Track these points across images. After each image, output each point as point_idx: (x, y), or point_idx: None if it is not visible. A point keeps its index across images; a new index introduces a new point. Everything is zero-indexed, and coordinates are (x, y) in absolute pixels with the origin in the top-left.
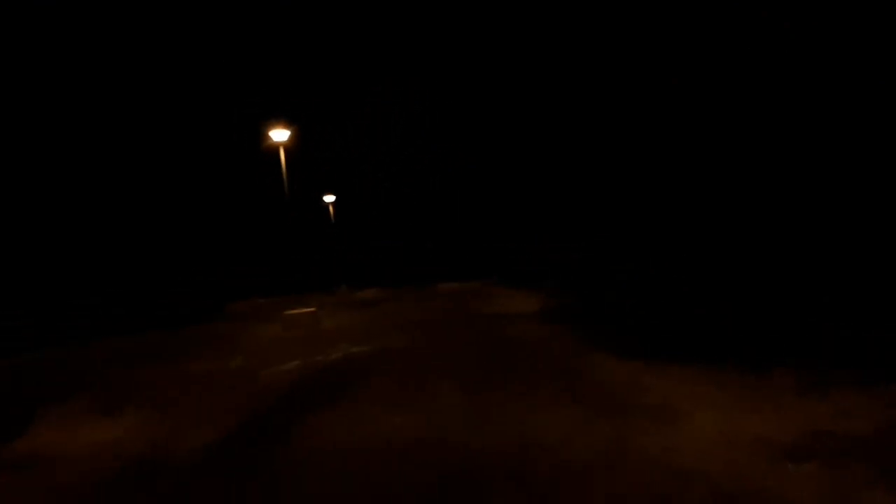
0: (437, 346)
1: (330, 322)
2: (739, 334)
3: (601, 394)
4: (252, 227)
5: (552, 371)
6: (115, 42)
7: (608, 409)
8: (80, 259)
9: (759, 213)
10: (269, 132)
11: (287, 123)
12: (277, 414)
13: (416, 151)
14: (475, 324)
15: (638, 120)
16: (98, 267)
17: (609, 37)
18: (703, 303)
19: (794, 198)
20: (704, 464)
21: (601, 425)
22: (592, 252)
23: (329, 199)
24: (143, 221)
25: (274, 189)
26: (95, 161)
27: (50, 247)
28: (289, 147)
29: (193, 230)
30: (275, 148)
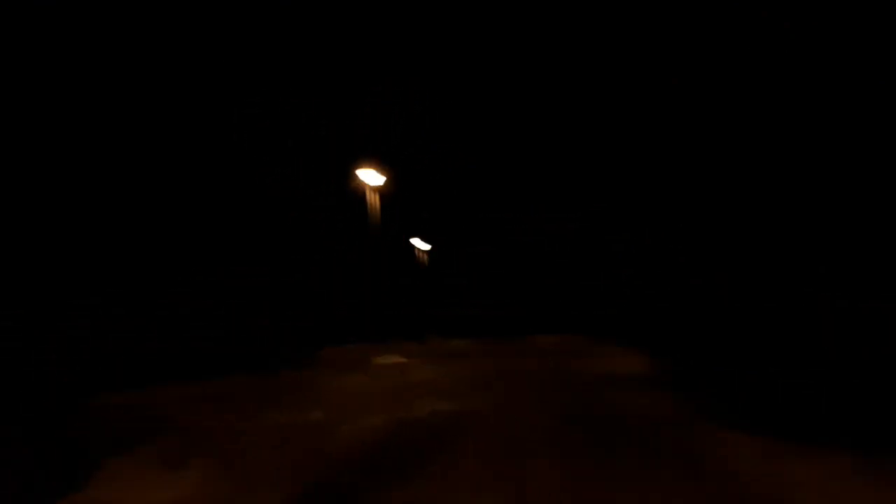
0: (533, 411)
1: (417, 375)
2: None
3: (736, 488)
4: (348, 270)
5: (670, 451)
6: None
7: None
8: (184, 295)
9: None
10: (360, 173)
11: (382, 167)
12: (349, 482)
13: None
14: (575, 387)
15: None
16: (203, 304)
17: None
18: (835, 365)
19: None
20: None
21: None
22: (704, 306)
23: (424, 246)
24: (251, 258)
25: (365, 230)
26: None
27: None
28: (383, 191)
29: (296, 273)
30: (370, 189)
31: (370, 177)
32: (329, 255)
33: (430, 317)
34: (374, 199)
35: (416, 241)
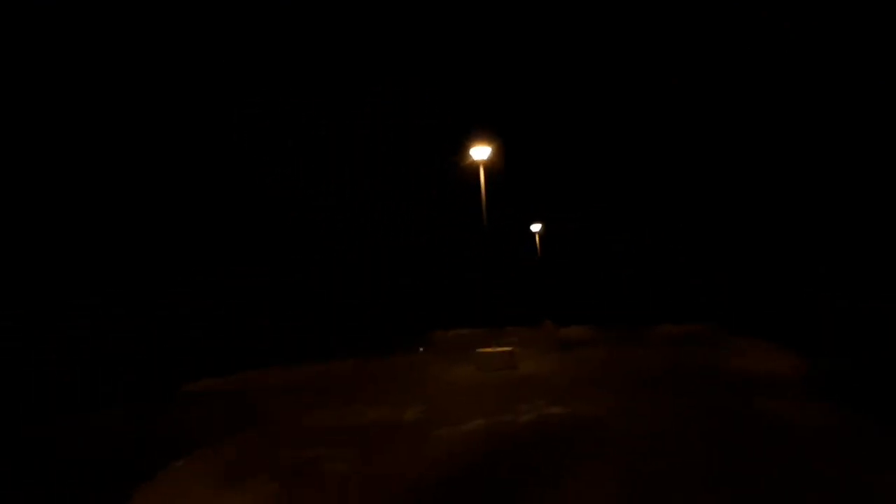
0: (658, 420)
1: (527, 366)
2: None
3: None
4: (462, 252)
5: (841, 491)
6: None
7: None
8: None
9: None
10: (468, 149)
11: (489, 139)
12: None
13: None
14: (707, 389)
15: None
16: (315, 284)
17: None
18: None
19: None
20: None
21: None
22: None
23: (535, 227)
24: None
25: (481, 213)
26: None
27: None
28: (489, 166)
29: (408, 254)
30: (477, 167)
31: (478, 152)
32: (440, 236)
33: (541, 303)
34: (482, 177)
35: (534, 227)
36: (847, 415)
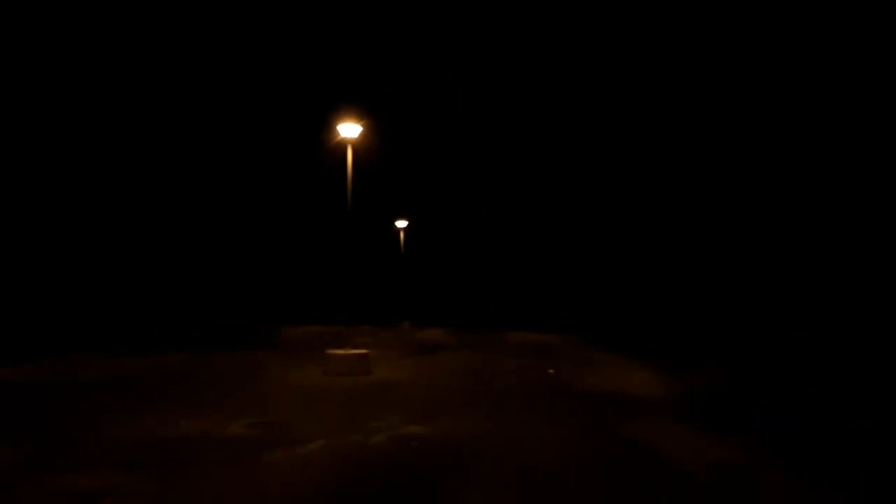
0: (528, 449)
1: (381, 371)
2: None
3: None
4: (319, 245)
5: None
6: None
7: None
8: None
9: None
10: (337, 126)
11: (360, 117)
12: None
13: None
14: (577, 410)
15: None
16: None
17: None
18: None
19: None
20: None
21: None
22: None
23: (401, 224)
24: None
25: (340, 203)
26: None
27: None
28: (358, 147)
29: (256, 240)
30: (342, 148)
31: (348, 129)
32: (293, 226)
33: (401, 303)
34: (349, 157)
35: (399, 223)
36: (746, 454)
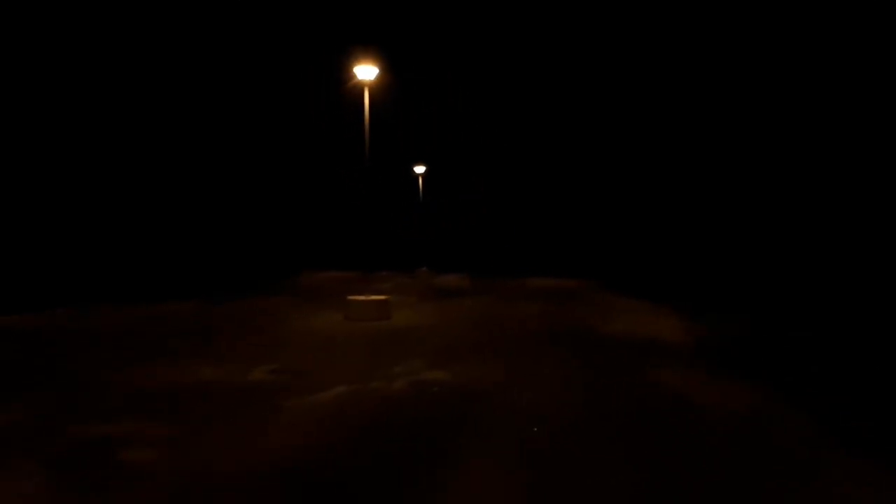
0: (551, 395)
1: (402, 317)
2: None
3: None
4: (338, 192)
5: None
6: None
7: None
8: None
9: None
10: (353, 69)
11: (375, 59)
12: None
13: (516, 124)
14: (598, 354)
15: None
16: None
17: None
18: None
19: None
20: None
21: None
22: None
23: (419, 170)
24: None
25: (359, 149)
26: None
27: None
28: (375, 91)
29: (278, 189)
30: (359, 94)
31: (363, 72)
32: (317, 169)
33: (419, 249)
34: (366, 100)
35: (418, 169)
36: (770, 397)
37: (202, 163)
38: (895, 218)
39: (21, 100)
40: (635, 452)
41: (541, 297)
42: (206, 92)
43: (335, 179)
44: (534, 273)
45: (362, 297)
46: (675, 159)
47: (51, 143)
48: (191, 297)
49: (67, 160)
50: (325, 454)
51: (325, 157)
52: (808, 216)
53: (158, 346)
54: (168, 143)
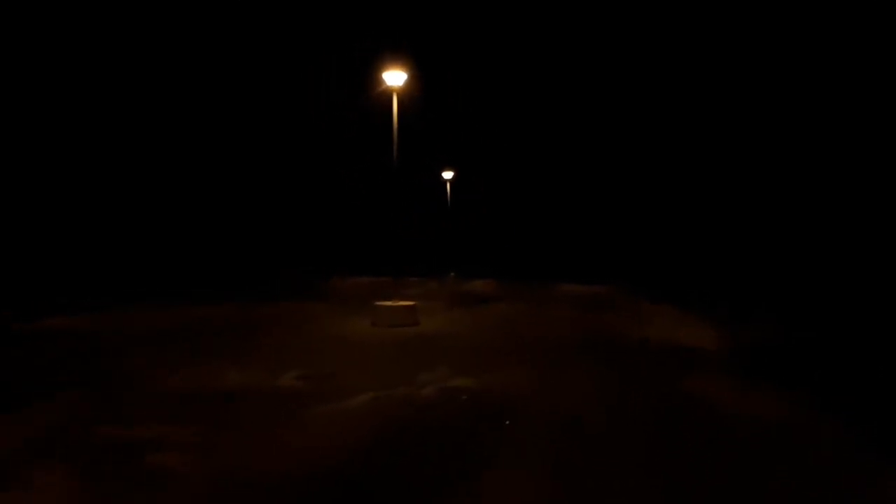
0: (583, 404)
1: (429, 323)
2: None
3: None
4: (366, 199)
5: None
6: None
7: None
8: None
9: None
10: (382, 75)
11: (404, 64)
12: None
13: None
14: (630, 361)
15: None
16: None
17: None
18: None
19: None
20: None
21: None
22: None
23: (447, 175)
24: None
25: (387, 156)
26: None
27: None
28: (404, 96)
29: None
30: (387, 97)
31: (392, 77)
32: (347, 176)
33: (447, 255)
34: (395, 105)
35: (446, 174)
36: (802, 404)
37: (241, 176)
38: None
39: (65, 116)
40: (673, 471)
41: (570, 303)
42: (241, 104)
43: (364, 186)
44: (562, 279)
45: (390, 303)
46: (701, 170)
47: (90, 158)
48: (226, 301)
49: (107, 173)
50: (353, 460)
51: (355, 164)
52: (839, 218)
53: (194, 350)
54: (205, 153)
